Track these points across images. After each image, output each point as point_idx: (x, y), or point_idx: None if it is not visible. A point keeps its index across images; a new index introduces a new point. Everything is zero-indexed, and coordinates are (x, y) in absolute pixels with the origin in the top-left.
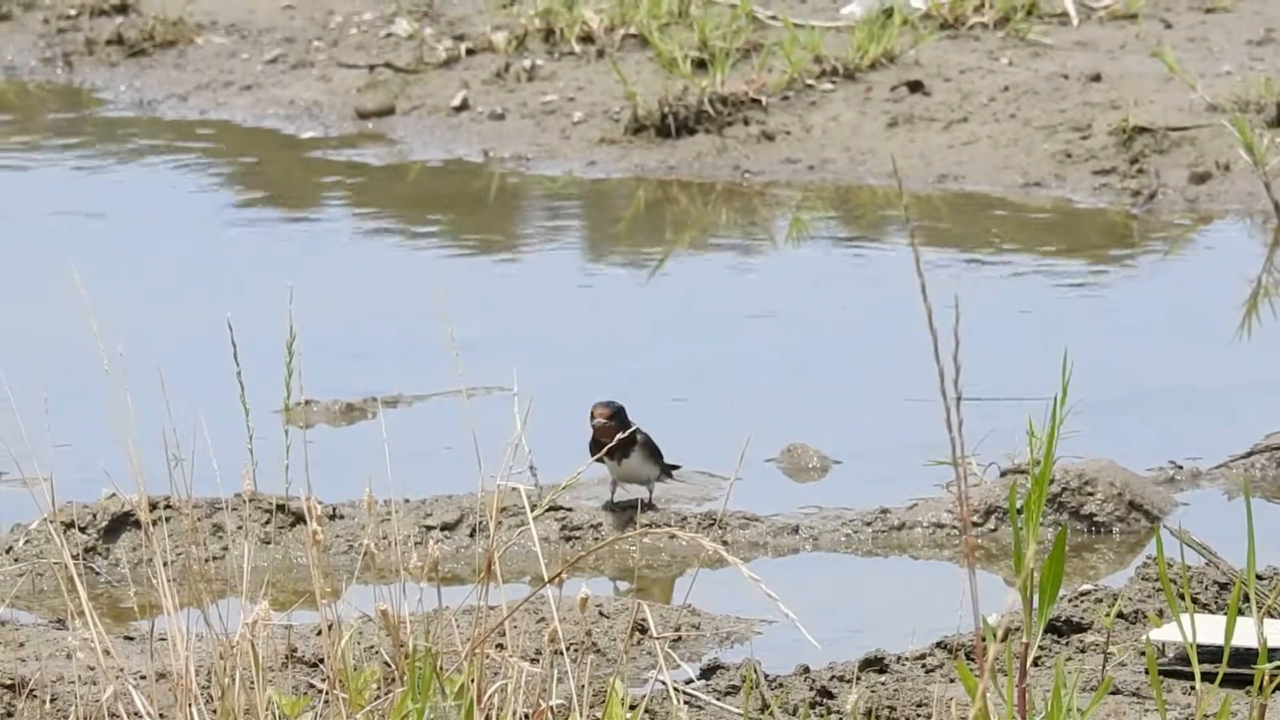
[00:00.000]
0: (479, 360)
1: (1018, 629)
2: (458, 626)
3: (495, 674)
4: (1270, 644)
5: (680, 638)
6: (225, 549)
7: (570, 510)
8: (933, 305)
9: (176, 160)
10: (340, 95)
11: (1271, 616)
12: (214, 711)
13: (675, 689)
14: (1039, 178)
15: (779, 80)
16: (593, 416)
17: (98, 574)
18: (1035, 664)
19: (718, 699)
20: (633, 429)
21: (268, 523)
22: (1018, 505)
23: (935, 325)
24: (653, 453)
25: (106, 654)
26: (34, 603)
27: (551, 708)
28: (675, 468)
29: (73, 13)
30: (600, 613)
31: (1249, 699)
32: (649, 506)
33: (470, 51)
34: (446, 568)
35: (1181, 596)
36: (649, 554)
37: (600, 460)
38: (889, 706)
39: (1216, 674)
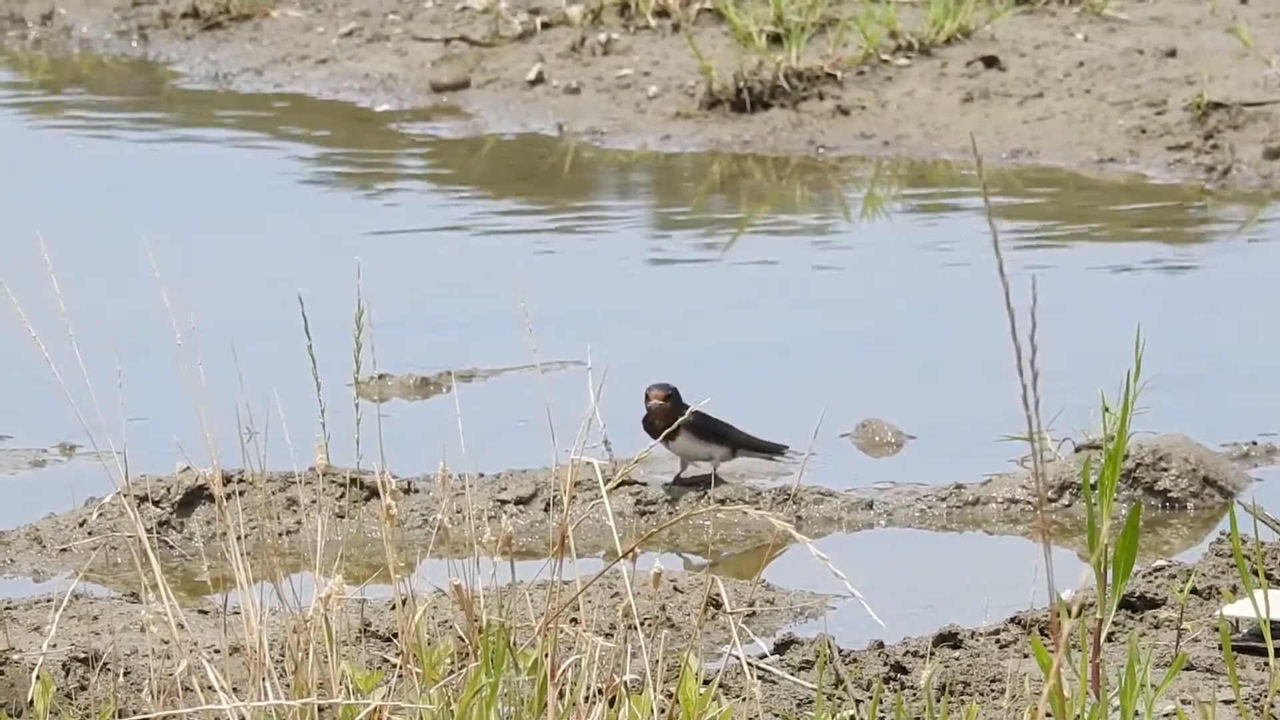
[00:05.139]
0: (553, 335)
1: (1092, 605)
2: (531, 601)
3: (569, 649)
4: None
5: (754, 613)
6: (299, 523)
7: (644, 485)
8: (1009, 283)
9: (251, 134)
10: (415, 69)
11: None
12: (287, 685)
13: (749, 664)
14: (1113, 153)
15: (854, 55)
16: (648, 399)
17: (171, 547)
18: (1109, 640)
19: (792, 674)
20: (682, 415)
21: (341, 497)
22: (1092, 481)
23: (1012, 303)
24: (704, 432)
25: (180, 627)
26: (108, 576)
27: (625, 682)
28: (780, 449)
29: None
30: (674, 587)
31: None
32: (719, 482)
33: (545, 25)
34: (520, 542)
35: (1255, 572)
36: (723, 529)
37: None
38: (963, 682)
39: None
